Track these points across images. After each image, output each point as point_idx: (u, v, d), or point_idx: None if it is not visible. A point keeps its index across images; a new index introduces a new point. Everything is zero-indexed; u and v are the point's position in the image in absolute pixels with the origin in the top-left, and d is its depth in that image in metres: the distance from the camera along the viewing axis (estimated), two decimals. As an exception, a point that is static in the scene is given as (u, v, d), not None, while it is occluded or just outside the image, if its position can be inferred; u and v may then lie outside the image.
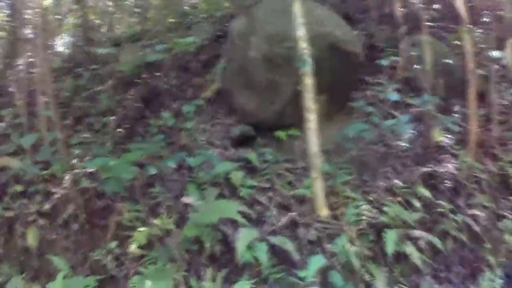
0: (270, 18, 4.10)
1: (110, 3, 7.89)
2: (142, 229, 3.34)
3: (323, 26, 3.91)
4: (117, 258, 3.30)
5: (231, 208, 3.05)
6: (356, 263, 3.00)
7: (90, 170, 3.86)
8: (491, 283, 3.08)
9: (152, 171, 3.80)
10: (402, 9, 4.87)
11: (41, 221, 3.71)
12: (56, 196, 3.86)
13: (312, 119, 2.93)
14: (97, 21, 7.63)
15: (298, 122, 3.57)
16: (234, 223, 3.24)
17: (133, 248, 3.27)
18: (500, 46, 5.30)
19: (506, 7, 5.02)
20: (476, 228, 3.45)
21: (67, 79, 5.92)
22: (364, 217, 3.26)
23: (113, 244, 3.36)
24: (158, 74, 5.37)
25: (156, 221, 3.39)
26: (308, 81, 2.85)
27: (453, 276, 3.20)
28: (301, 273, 2.87)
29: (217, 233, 3.23)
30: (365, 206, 3.29)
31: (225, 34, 5.28)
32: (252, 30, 4.20)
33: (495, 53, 5.22)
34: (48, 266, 3.35)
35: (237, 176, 3.59)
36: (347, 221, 3.21)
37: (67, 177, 3.84)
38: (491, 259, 3.30)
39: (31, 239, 3.54)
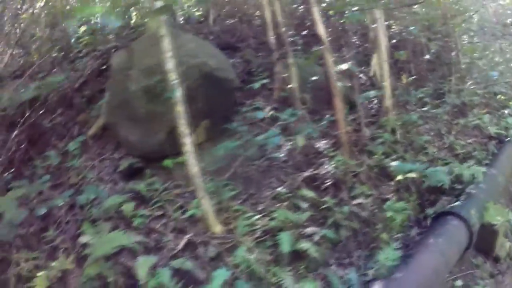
0: (147, 51, 4.24)
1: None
2: (40, 273, 3.15)
3: (196, 58, 4.18)
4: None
5: (122, 237, 3.06)
6: (259, 269, 3.16)
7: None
8: (388, 256, 3.38)
9: (41, 211, 3.67)
10: (275, 37, 5.39)
11: None
12: None
13: (188, 142, 3.13)
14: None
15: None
16: (134, 254, 3.25)
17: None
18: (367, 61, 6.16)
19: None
20: (364, 214, 3.88)
21: None
22: (257, 226, 3.49)
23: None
24: (42, 111, 5.13)
25: (54, 264, 3.23)
26: (180, 109, 3.07)
27: (355, 260, 3.53)
28: (207, 288, 2.93)
29: (118, 267, 3.20)
30: (255, 216, 3.51)
31: (108, 68, 5.28)
32: (131, 64, 4.30)
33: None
34: None
35: (128, 208, 3.60)
36: (241, 233, 3.40)
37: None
38: (385, 236, 3.69)
39: None
